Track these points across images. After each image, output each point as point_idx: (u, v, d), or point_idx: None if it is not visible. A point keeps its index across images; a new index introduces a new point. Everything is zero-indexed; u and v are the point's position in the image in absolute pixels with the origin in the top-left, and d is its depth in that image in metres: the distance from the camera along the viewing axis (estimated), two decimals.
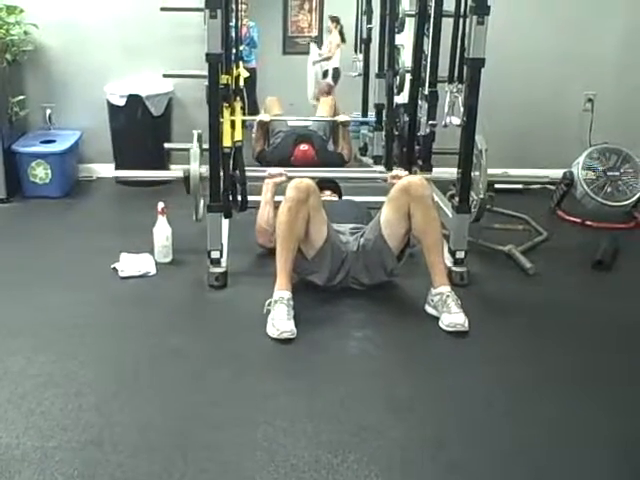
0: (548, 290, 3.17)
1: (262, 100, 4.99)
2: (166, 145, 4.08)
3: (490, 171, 3.18)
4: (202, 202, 3.22)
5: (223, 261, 3.12)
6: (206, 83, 3.01)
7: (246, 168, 3.32)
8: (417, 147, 3.83)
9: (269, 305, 2.73)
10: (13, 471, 1.91)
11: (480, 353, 2.62)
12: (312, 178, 2.99)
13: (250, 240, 3.43)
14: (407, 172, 3.39)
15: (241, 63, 4.11)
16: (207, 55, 2.93)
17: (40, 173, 4.18)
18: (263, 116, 4.76)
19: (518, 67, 4.52)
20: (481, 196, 3.15)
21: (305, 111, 4.90)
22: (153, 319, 2.82)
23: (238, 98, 3.49)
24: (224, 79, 3.16)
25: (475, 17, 2.91)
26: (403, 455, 2.03)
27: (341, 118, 4.77)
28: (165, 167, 4.63)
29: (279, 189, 3.25)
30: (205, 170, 3.11)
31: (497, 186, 4.40)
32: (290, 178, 3.12)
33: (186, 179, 3.13)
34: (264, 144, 4.78)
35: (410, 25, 4.02)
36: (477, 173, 3.15)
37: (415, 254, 3.07)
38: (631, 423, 2.23)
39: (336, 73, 5.23)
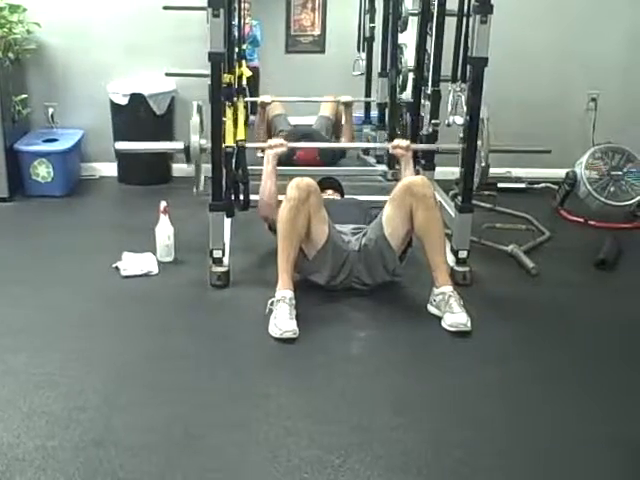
0: (551, 290, 3.16)
1: None
2: None
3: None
4: (202, 173, 3.21)
5: (225, 260, 3.11)
6: (209, 82, 3.01)
7: (248, 167, 3.32)
8: None
9: (271, 304, 2.73)
10: (14, 470, 1.91)
11: (482, 353, 2.61)
12: (314, 177, 2.99)
13: (253, 239, 3.43)
14: (408, 142, 3.34)
15: (244, 62, 4.11)
16: (210, 54, 2.93)
17: (42, 172, 4.18)
18: (264, 97, 4.74)
19: (521, 66, 4.51)
20: (483, 164, 3.11)
21: (307, 110, 4.89)
22: (155, 318, 2.81)
23: (241, 97, 3.49)
24: (227, 78, 3.16)
25: (478, 16, 2.90)
26: (406, 455, 2.02)
27: (344, 98, 4.75)
28: (168, 166, 4.65)
29: (280, 188, 3.24)
30: (205, 142, 3.10)
31: (500, 185, 4.42)
32: (290, 149, 3.10)
33: (186, 150, 3.12)
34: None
35: (413, 24, 4.02)
36: (480, 142, 3.12)
37: (417, 254, 3.06)
38: (633, 423, 2.22)
39: None
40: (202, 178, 3.22)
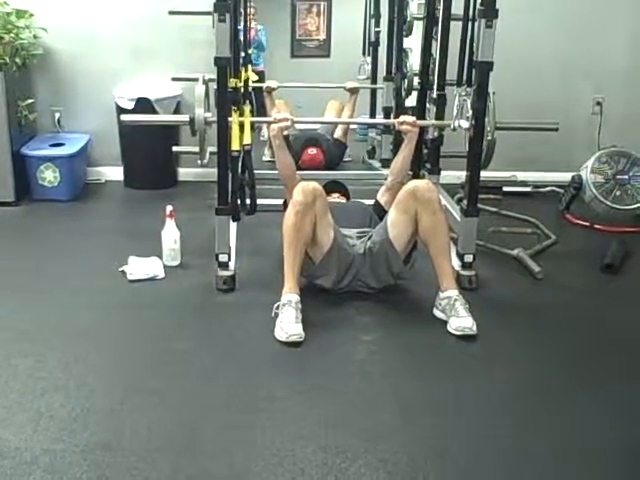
0: (556, 294, 3.16)
1: None
2: (174, 148, 4.08)
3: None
4: (207, 145, 3.19)
5: (231, 264, 3.12)
6: (215, 86, 3.02)
7: (255, 171, 3.32)
8: (425, 150, 3.83)
9: (277, 308, 2.73)
10: (22, 474, 1.91)
11: (488, 357, 2.61)
12: (320, 180, 2.99)
13: (258, 243, 3.43)
14: (414, 117, 3.33)
15: (249, 66, 4.11)
16: (216, 59, 2.94)
17: (49, 176, 4.20)
18: (270, 82, 4.77)
19: (527, 70, 4.52)
20: (489, 138, 3.10)
21: (313, 114, 4.90)
22: (161, 322, 2.82)
23: (247, 101, 3.49)
24: (233, 82, 3.16)
25: (484, 20, 2.91)
26: (411, 460, 2.02)
27: (349, 84, 4.77)
28: (173, 170, 4.66)
29: (283, 191, 3.25)
30: (210, 115, 3.10)
31: (505, 189, 4.42)
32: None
33: (191, 122, 3.12)
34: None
35: (418, 28, 4.03)
36: (487, 119, 3.11)
37: (422, 257, 3.06)
38: (636, 428, 2.22)
39: None
40: (207, 150, 3.20)
